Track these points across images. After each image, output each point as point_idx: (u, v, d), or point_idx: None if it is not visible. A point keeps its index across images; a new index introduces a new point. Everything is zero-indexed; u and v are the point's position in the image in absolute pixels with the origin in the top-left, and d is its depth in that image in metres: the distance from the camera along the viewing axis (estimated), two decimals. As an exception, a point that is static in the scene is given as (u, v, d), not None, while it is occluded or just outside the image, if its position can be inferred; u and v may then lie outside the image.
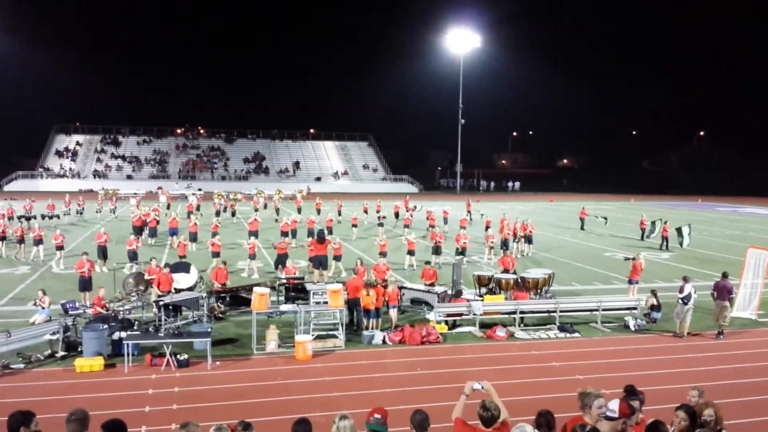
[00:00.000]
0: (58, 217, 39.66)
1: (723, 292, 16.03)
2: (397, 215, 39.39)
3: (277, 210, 41.93)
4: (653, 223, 34.90)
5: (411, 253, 24.46)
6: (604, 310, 16.82)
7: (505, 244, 27.07)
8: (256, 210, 41.78)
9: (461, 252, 25.02)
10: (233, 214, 41.95)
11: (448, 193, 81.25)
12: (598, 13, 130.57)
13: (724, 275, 16.57)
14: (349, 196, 58.71)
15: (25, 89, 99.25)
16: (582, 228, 38.92)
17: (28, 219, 36.38)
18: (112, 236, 25.84)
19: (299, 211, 41.02)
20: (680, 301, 15.83)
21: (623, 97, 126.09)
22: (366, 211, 41.09)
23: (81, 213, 42.38)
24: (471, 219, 39.99)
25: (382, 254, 22.50)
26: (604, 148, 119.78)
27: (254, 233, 28.25)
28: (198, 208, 42.25)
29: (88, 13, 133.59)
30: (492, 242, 26.78)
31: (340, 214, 38.94)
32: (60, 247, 24.31)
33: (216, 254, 22.98)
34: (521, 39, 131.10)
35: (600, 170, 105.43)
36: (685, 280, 16.31)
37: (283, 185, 71.63)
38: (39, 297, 15.51)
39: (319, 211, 38.69)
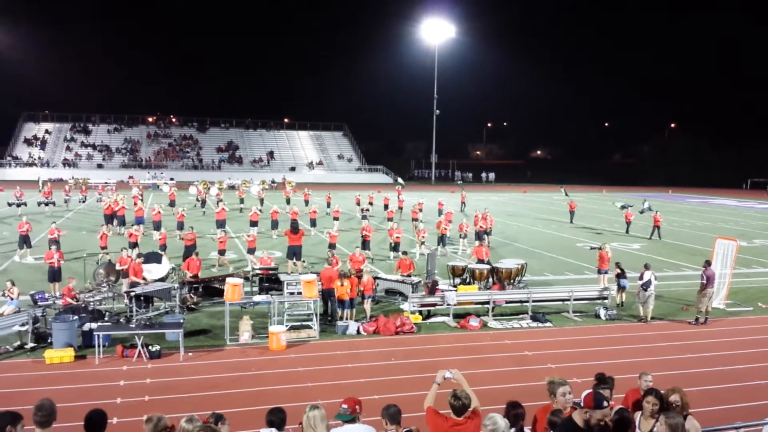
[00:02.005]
0: (54, 203, 39.58)
1: (712, 280, 16.51)
2: (386, 207, 37.63)
3: (261, 200, 41.46)
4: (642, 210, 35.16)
5: (332, 246, 23.61)
6: (575, 299, 17.04)
7: (441, 241, 26.15)
8: (242, 201, 41.48)
9: (394, 247, 24.44)
10: (218, 203, 41.46)
11: (424, 184, 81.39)
12: (573, 6, 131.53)
13: (709, 263, 17.00)
14: (331, 187, 58.06)
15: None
16: (572, 221, 38.17)
17: (18, 206, 36.44)
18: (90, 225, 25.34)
19: (288, 201, 40.53)
20: (641, 287, 16.41)
21: (596, 90, 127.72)
22: (358, 203, 39.85)
23: (83, 201, 42.22)
24: (465, 211, 39.66)
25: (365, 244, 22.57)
26: (577, 140, 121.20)
27: (222, 223, 28.13)
28: (199, 199, 41.79)
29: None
30: (423, 237, 25.75)
31: (329, 206, 37.70)
32: None
33: (134, 245, 22.71)
34: (496, 30, 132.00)
35: (573, 161, 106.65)
36: (646, 267, 16.77)
37: (257, 175, 71.17)
38: (7, 288, 15.23)
39: (307, 203, 38.03)
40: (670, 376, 11.35)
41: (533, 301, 16.82)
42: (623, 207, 35.92)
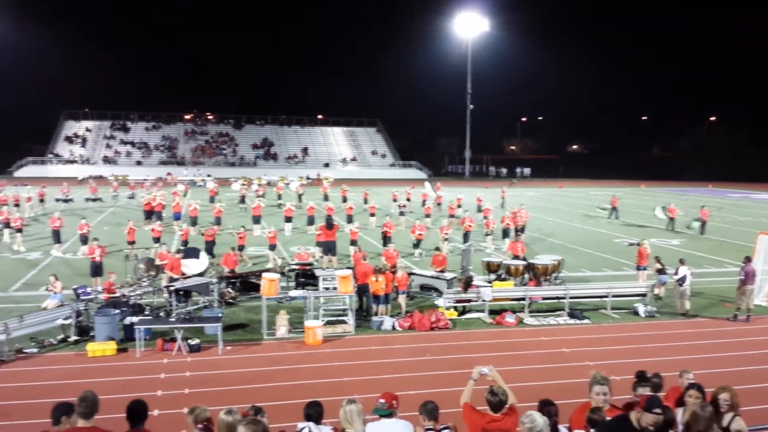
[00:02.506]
0: (101, 199, 41.07)
1: (752, 277, 16.18)
2: (424, 203, 37.04)
3: (300, 196, 41.57)
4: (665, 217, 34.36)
5: (353, 243, 23.12)
6: (613, 296, 16.80)
7: (465, 238, 25.58)
8: (279, 197, 41.71)
9: (417, 244, 24.26)
10: (255, 199, 41.79)
11: (458, 179, 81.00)
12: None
13: (749, 259, 16.65)
14: (365, 183, 58.06)
15: (34, 76, 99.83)
16: (614, 217, 37.14)
17: (65, 201, 37.89)
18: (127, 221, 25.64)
19: (326, 198, 40.62)
20: (676, 282, 16.35)
21: (633, 83, 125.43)
22: (395, 199, 38.80)
23: (132, 198, 43.27)
24: (504, 207, 39.31)
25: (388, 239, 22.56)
26: (614, 134, 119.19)
27: (257, 219, 28.46)
28: (263, 196, 42.08)
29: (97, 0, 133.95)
30: (446, 234, 24.84)
31: (366, 202, 37.07)
32: (19, 230, 25.14)
33: (156, 240, 23.05)
34: (530, 23, 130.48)
35: (609, 156, 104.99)
36: (681, 262, 16.68)
37: (291, 171, 71.66)
38: (51, 282, 15.64)
39: (344, 199, 37.80)
40: (711, 374, 11.12)
41: (570, 298, 16.64)
42: (664, 208, 35.08)
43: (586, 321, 15.88)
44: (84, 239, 23.12)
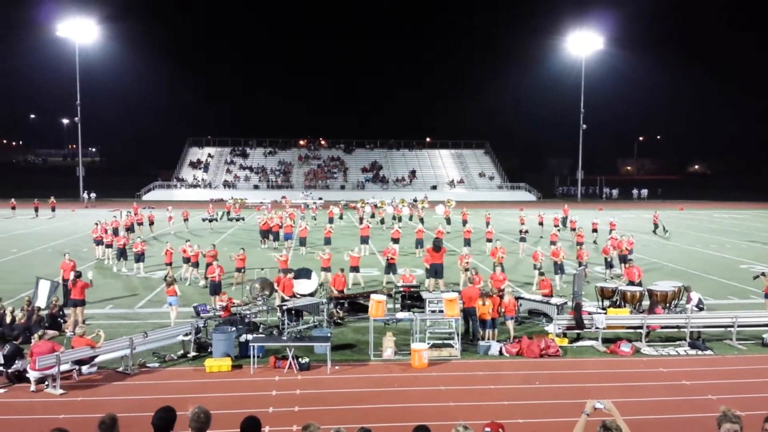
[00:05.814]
0: (243, 219, 45.18)
1: None
2: (556, 226, 35.35)
3: (421, 219, 41.43)
4: None
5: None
6: (739, 326, 15.68)
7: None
8: (399, 219, 42.28)
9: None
10: (382, 221, 42.75)
11: (570, 202, 78.69)
12: (732, 9, 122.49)
13: None
14: (472, 205, 57.66)
15: (162, 106, 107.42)
16: None
17: (211, 221, 41.62)
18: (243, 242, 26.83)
19: (448, 221, 40.54)
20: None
21: (759, 98, 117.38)
22: (522, 222, 35.10)
23: (241, 219, 46.37)
24: (657, 231, 37.65)
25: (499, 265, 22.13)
26: (739, 153, 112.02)
27: (365, 239, 28.87)
28: (382, 221, 43.06)
29: (219, 36, 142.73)
30: (467, 263, 21.94)
31: (488, 225, 35.01)
32: (109, 246, 27.46)
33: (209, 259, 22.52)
34: (648, 38, 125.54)
35: (736, 176, 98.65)
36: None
37: (400, 194, 72.39)
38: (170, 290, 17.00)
39: (465, 222, 36.51)
40: None
41: (692, 327, 15.68)
42: None
43: (708, 352, 14.90)
44: (138, 258, 24.78)
